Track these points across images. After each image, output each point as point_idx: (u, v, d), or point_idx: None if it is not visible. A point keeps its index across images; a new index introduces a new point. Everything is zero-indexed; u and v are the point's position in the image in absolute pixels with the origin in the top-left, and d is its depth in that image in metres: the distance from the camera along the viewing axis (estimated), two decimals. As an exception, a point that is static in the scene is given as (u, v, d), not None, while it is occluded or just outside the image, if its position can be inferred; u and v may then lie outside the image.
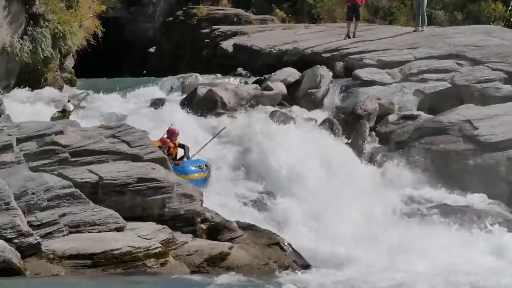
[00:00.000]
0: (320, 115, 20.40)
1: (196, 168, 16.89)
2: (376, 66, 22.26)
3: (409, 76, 21.94)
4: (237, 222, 14.48)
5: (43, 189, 12.82)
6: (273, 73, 21.85)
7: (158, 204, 13.88)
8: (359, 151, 19.18)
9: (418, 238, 15.12)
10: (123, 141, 14.56)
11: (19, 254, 11.90)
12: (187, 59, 27.96)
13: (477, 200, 17.60)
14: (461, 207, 17.20)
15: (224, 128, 18.43)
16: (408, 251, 14.44)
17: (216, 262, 13.15)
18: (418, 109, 20.84)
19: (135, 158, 14.33)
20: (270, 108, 20.09)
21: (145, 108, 20.34)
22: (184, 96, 21.01)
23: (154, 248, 12.78)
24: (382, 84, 21.59)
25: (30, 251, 12.10)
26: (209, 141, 17.88)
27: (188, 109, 19.72)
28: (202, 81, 22.34)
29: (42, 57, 21.47)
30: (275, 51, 24.42)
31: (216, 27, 28.23)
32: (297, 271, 13.50)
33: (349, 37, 24.67)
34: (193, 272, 12.87)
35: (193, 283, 12.26)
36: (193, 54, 27.80)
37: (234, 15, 30.04)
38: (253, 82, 22.05)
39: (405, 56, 22.72)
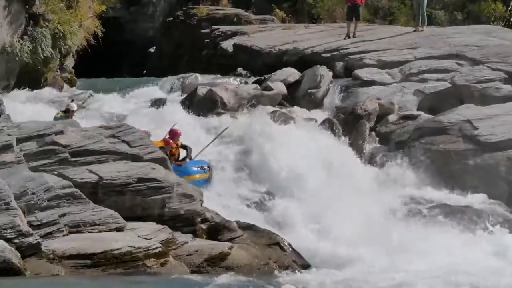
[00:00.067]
0: (320, 115, 20.40)
1: (198, 169, 16.89)
2: (376, 66, 22.26)
3: (409, 76, 21.94)
4: (237, 222, 14.48)
5: (43, 189, 12.82)
6: (273, 73, 21.85)
7: (158, 204, 13.88)
8: (359, 151, 19.18)
9: (418, 238, 15.12)
10: (123, 141, 14.56)
11: (19, 254, 11.89)
12: (187, 59, 27.94)
13: (477, 200, 17.59)
14: (461, 207, 17.19)
15: (226, 128, 18.40)
16: (408, 251, 14.44)
17: (216, 262, 13.15)
18: (418, 109, 20.84)
19: (135, 158, 14.33)
20: (270, 108, 20.09)
21: (145, 108, 20.34)
22: (184, 96, 21.02)
23: (154, 248, 12.78)
24: (382, 84, 21.59)
25: (30, 251, 12.10)
26: (211, 142, 17.84)
27: (188, 109, 19.72)
28: (202, 81, 22.34)
29: (42, 57, 21.46)
30: (275, 51, 24.42)
31: (216, 27, 28.23)
32: (297, 271, 13.50)
33: (349, 37, 24.67)
34: (193, 272, 12.87)
35: (193, 283, 12.26)
36: (193, 54, 27.79)
37: (234, 15, 30.04)
38: (253, 82, 22.05)
39: (405, 56, 22.72)
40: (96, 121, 18.33)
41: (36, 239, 12.16)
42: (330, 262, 13.99)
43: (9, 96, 20.18)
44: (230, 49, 25.74)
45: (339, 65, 22.70)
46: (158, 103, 20.49)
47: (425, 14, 25.62)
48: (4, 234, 11.96)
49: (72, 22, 22.72)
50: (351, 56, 22.96)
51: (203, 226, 14.16)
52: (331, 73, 21.72)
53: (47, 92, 21.75)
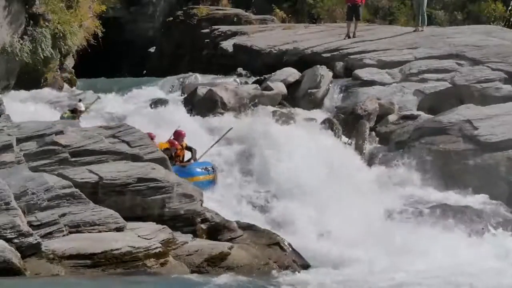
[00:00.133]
0: (320, 115, 20.40)
1: (203, 170, 16.89)
2: (376, 66, 22.27)
3: (409, 76, 21.95)
4: (237, 222, 14.48)
5: (43, 189, 12.81)
6: (273, 73, 21.87)
7: (158, 204, 13.88)
8: (359, 151, 19.19)
9: (418, 238, 15.11)
10: (123, 141, 14.56)
11: (19, 254, 11.89)
12: (187, 59, 27.94)
13: (478, 200, 17.58)
14: (461, 207, 17.17)
15: (230, 129, 18.32)
16: (408, 251, 14.43)
17: (216, 262, 13.14)
18: (418, 109, 20.85)
19: (135, 158, 14.32)
20: (270, 108, 20.10)
21: (145, 108, 20.33)
22: (184, 96, 21.01)
23: (154, 248, 12.77)
24: (382, 84, 21.60)
25: (30, 251, 12.09)
26: (216, 142, 17.79)
27: (188, 109, 19.71)
28: (202, 81, 22.33)
29: (42, 57, 21.46)
30: (275, 51, 24.42)
31: (216, 27, 28.23)
32: (297, 271, 13.50)
33: (349, 37, 24.67)
34: (193, 272, 12.86)
35: (193, 283, 12.25)
36: (193, 54, 27.79)
37: (234, 15, 30.04)
38: (253, 82, 22.05)
39: (405, 56, 22.73)
40: (96, 121, 18.33)
41: (36, 239, 12.16)
42: (330, 262, 13.98)
43: (9, 96, 20.19)
44: (230, 49, 25.74)
45: (339, 65, 22.70)
46: (157, 103, 20.48)
47: (425, 14, 25.63)
48: (4, 234, 11.96)
49: (72, 22, 22.73)
50: (351, 56, 22.97)
51: (203, 226, 14.16)
52: (331, 73, 21.73)
53: (47, 92, 21.76)
